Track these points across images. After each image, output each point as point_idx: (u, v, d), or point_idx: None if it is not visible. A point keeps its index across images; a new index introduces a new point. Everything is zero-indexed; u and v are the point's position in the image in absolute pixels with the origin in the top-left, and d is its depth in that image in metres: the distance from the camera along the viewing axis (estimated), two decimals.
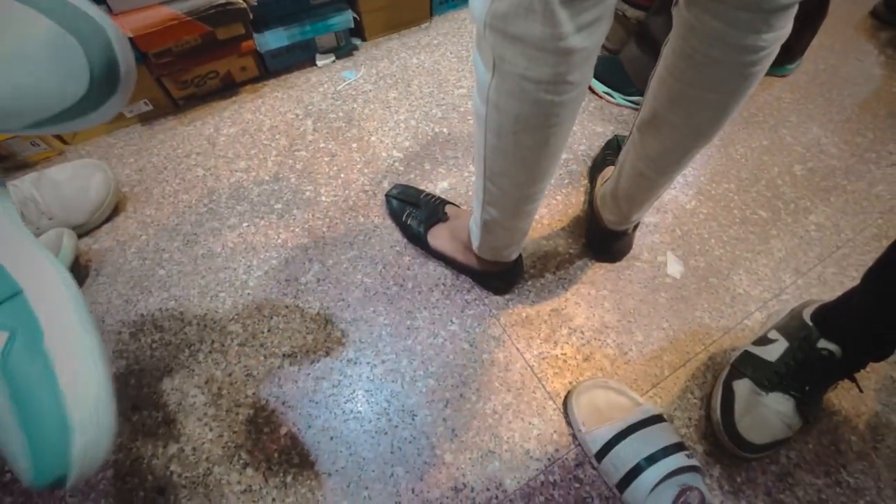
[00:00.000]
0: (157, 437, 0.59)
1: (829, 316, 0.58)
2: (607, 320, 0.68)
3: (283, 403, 0.60)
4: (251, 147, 0.85)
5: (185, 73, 0.84)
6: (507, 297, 0.70)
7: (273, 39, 0.88)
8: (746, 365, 0.60)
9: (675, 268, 0.74)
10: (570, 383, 0.63)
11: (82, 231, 0.73)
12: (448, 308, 0.68)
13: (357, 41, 1.02)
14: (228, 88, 0.93)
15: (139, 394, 0.61)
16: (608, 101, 0.93)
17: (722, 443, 0.58)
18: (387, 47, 1.03)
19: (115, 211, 0.76)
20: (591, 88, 0.94)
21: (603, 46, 1.02)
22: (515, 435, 0.60)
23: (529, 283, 0.71)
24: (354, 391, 0.62)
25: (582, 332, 0.67)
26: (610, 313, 0.69)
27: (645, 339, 0.67)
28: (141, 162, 0.83)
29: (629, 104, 0.92)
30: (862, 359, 0.55)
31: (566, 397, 0.61)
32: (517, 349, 0.66)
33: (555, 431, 0.60)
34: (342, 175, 0.82)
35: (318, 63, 0.98)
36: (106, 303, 0.68)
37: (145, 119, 0.89)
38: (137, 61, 0.79)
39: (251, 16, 0.81)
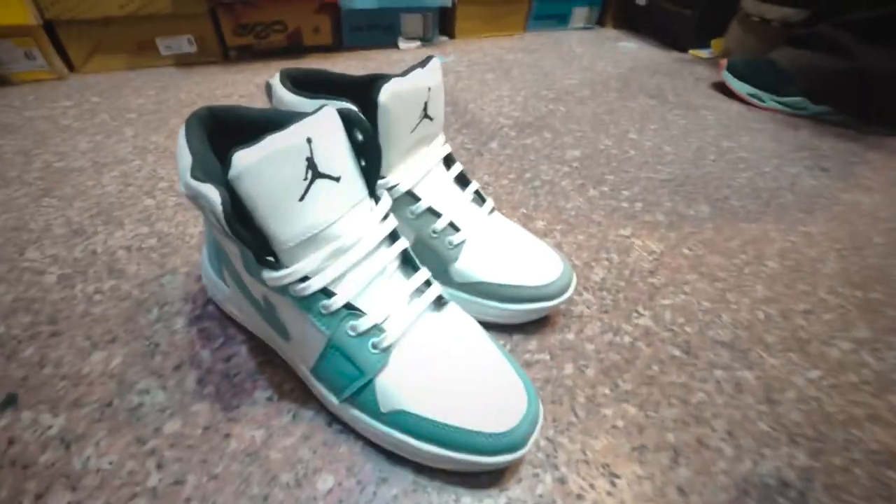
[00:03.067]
0: (28, 471, 0.25)
1: None
2: None
3: (331, 423, 0.28)
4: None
5: (248, 12, 0.68)
6: (717, 286, 0.41)
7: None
8: None
9: None
10: None
11: None
12: (628, 292, 0.39)
13: (444, 38, 0.90)
14: (293, 51, 0.77)
15: (31, 375, 0.29)
16: (755, 105, 0.76)
17: None
18: (478, 45, 0.90)
19: None
20: (731, 90, 0.78)
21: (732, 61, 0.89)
22: None
23: (748, 270, 0.43)
24: None
25: (876, 349, 0.37)
26: None
27: None
28: (164, 95, 0.62)
29: (783, 107, 0.74)
30: None
31: None
32: (773, 366, 0.35)
33: None
34: None
35: (401, 46, 0.84)
36: (40, 229, 0.40)
37: (183, 63, 0.70)
38: None
39: None
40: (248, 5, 0.67)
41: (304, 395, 0.29)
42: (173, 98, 0.61)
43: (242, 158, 0.20)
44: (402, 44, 0.84)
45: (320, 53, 0.79)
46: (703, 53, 0.96)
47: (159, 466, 0.26)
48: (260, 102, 0.63)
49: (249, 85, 0.66)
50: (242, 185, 0.21)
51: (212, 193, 0.20)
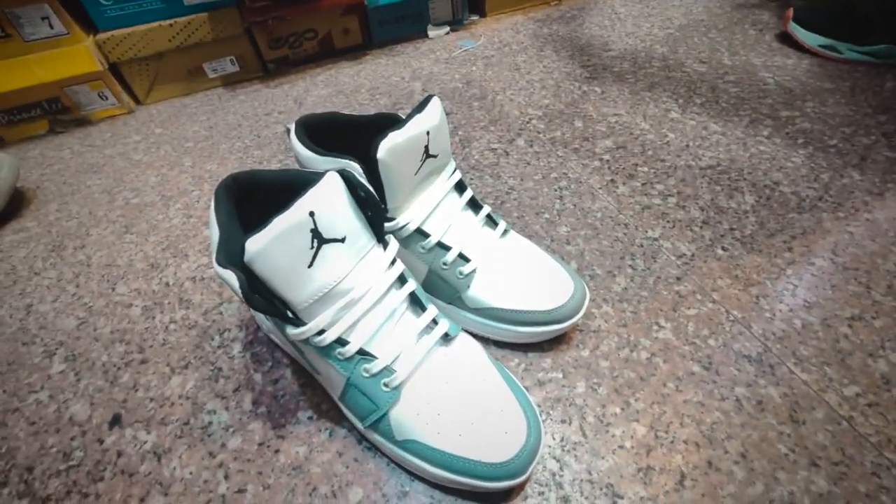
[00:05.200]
0: (133, 478, 0.32)
1: None
2: None
3: (360, 441, 0.32)
4: (345, 107, 0.67)
5: (280, 26, 0.71)
6: (751, 291, 0.39)
7: None
8: None
9: None
10: None
11: None
12: (649, 304, 0.39)
13: (475, 17, 0.87)
14: (326, 55, 0.79)
15: (129, 398, 0.36)
16: (829, 57, 0.66)
17: None
18: (510, 21, 0.86)
19: (14, 211, 0.55)
20: (799, 43, 0.68)
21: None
22: None
23: (790, 271, 0.40)
24: None
25: None
26: None
27: None
28: (214, 120, 0.68)
29: (866, 58, 0.64)
30: None
31: None
32: (803, 382, 0.33)
33: None
34: (460, 133, 0.60)
35: (430, 34, 0.82)
36: (125, 265, 0.48)
37: (229, 82, 0.75)
38: (226, 4, 0.67)
39: None
40: (279, 20, 0.70)
41: (338, 415, 0.34)
42: (222, 122, 0.67)
43: (253, 244, 0.24)
44: (432, 31, 0.83)
45: (352, 54, 0.80)
46: None
47: (226, 477, 0.32)
48: (297, 114, 0.67)
49: (287, 99, 0.70)
50: (256, 266, 0.24)
51: (232, 279, 0.24)
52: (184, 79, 0.72)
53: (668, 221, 0.46)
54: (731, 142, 0.54)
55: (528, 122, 0.61)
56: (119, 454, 0.34)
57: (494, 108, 0.64)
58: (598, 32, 0.80)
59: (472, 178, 0.53)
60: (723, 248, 0.43)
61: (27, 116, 0.66)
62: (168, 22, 0.65)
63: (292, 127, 0.37)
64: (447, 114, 0.64)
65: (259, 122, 0.66)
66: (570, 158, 0.54)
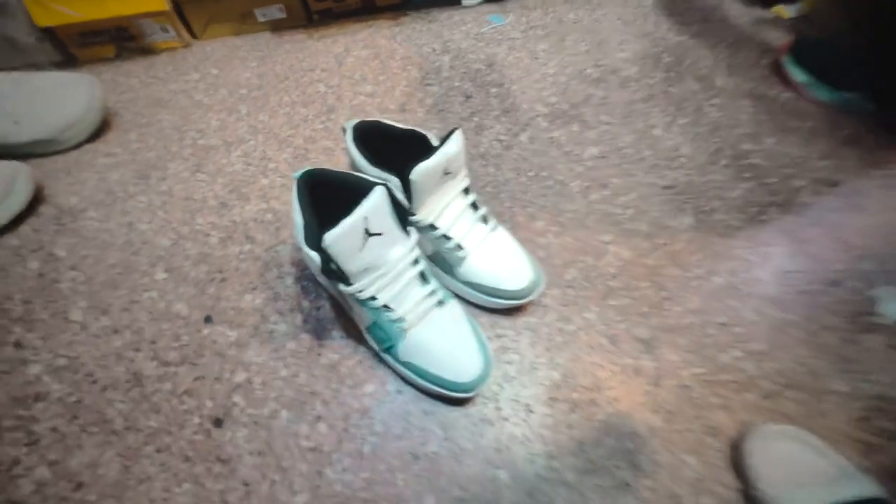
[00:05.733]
0: (225, 358, 0.49)
1: None
2: (797, 354, 0.51)
3: (374, 356, 0.49)
4: (380, 73, 0.76)
5: None
6: (662, 294, 0.55)
7: None
8: None
9: (891, 308, 0.56)
10: (742, 423, 0.47)
11: (53, 149, 0.64)
12: (587, 292, 0.55)
13: None
14: (367, 11, 0.85)
15: (216, 305, 0.53)
16: (805, 95, 0.75)
17: None
18: None
19: (100, 133, 0.67)
20: (785, 76, 0.77)
21: (801, 36, 0.84)
22: (662, 471, 0.44)
23: (695, 283, 0.56)
24: None
25: (760, 360, 0.51)
26: (801, 345, 0.52)
27: (852, 390, 0.49)
28: (263, 68, 0.77)
29: (836, 101, 0.73)
30: None
31: (739, 441, 0.45)
32: (671, 361, 0.50)
33: (717, 480, 0.44)
34: (475, 119, 0.71)
35: (465, 2, 0.88)
36: (200, 200, 0.61)
37: (276, 27, 0.82)
38: None
39: None
40: None
41: (360, 338, 0.50)
42: (270, 72, 0.76)
43: (330, 237, 0.38)
44: (466, 0, 0.88)
45: (391, 13, 0.86)
46: (788, 12, 0.88)
47: (285, 366, 0.49)
48: (337, 76, 0.76)
49: (328, 57, 0.78)
50: (329, 250, 0.38)
51: (315, 257, 0.38)
52: (236, 20, 0.79)
53: (620, 230, 0.60)
54: (694, 167, 0.66)
55: (533, 118, 0.71)
56: (213, 342, 0.50)
57: (508, 98, 0.74)
58: (619, 27, 0.86)
59: (478, 167, 0.65)
60: (653, 260, 0.57)
61: (98, 40, 0.74)
62: None
63: (348, 128, 0.49)
64: (468, 97, 0.73)
65: (304, 78, 0.75)
66: (559, 160, 0.66)
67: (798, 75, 0.76)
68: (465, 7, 0.88)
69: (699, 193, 0.64)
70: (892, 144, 0.70)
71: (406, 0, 0.86)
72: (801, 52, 0.75)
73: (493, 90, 0.75)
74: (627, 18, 0.88)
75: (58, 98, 0.62)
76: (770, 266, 0.58)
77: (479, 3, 0.88)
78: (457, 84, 0.75)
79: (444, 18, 0.86)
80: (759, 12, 0.90)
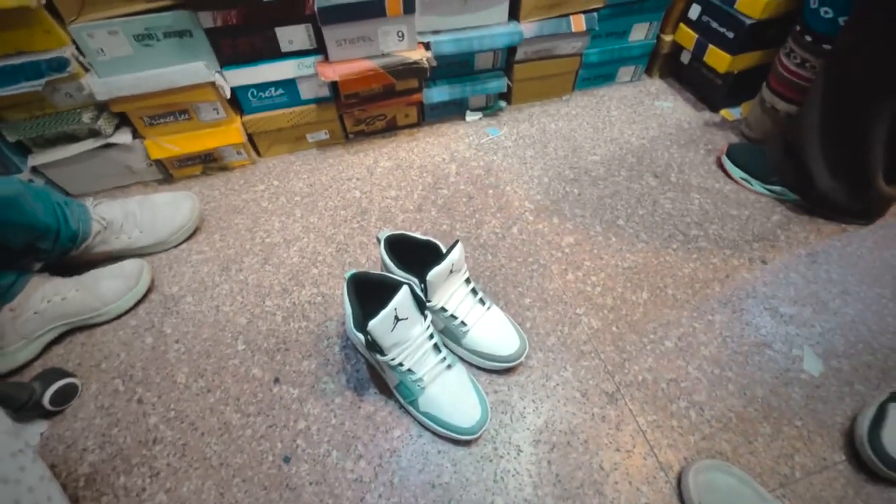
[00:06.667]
0: (290, 410, 0.66)
1: None
2: (731, 404, 0.65)
3: (400, 408, 0.65)
4: (402, 180, 0.98)
5: (362, 113, 1.01)
6: (623, 355, 0.70)
7: (437, 94, 1.03)
8: None
9: (813, 364, 0.69)
10: (685, 459, 0.60)
11: (161, 248, 0.85)
12: (564, 355, 0.70)
13: (503, 103, 1.14)
14: (390, 130, 1.08)
15: (282, 369, 0.70)
16: (744, 187, 0.93)
17: (862, 458, 0.59)
18: (529, 112, 1.14)
19: (193, 234, 0.88)
20: (726, 172, 0.95)
21: (743, 134, 1.04)
22: (621, 498, 0.58)
23: (650, 346, 0.71)
24: None
25: (701, 410, 0.65)
26: (734, 397, 0.66)
27: (774, 432, 0.63)
28: (312, 178, 0.99)
29: (768, 192, 0.91)
30: None
31: (681, 473, 0.59)
32: (630, 410, 0.65)
33: None
34: (476, 216, 0.90)
35: (467, 118, 1.11)
36: (268, 287, 0.80)
37: (321, 145, 1.06)
38: (328, 100, 0.97)
39: (428, 74, 0.96)
40: (363, 110, 0.99)
41: (389, 394, 0.66)
42: (318, 182, 0.98)
43: (372, 324, 0.55)
44: (469, 116, 1.11)
45: (408, 129, 1.09)
46: (733, 115, 1.09)
47: (334, 417, 0.65)
48: (368, 183, 0.97)
49: (361, 168, 1.01)
50: (371, 333, 0.56)
51: (361, 338, 0.56)
52: (291, 141, 1.03)
53: (591, 304, 0.76)
54: (650, 250, 0.83)
55: (522, 213, 0.90)
56: (281, 398, 0.67)
57: (503, 197, 0.94)
58: (590, 135, 1.07)
59: (479, 255, 0.83)
60: (617, 327, 0.73)
61: (190, 163, 0.98)
62: (289, 110, 0.96)
63: (382, 238, 0.68)
64: (470, 197, 0.94)
65: (343, 186, 0.97)
66: (542, 248, 0.84)
67: (735, 172, 0.94)
68: (468, 122, 1.11)
69: (654, 272, 0.80)
70: (813, 227, 0.86)
71: (420, 119, 1.10)
72: (737, 154, 0.94)
73: (490, 191, 0.95)
74: (598, 126, 1.09)
75: (169, 211, 0.84)
76: (711, 332, 0.73)
77: (479, 119, 1.11)
78: (462, 187, 0.96)
79: (451, 132, 1.09)
80: (708, 115, 1.11)
